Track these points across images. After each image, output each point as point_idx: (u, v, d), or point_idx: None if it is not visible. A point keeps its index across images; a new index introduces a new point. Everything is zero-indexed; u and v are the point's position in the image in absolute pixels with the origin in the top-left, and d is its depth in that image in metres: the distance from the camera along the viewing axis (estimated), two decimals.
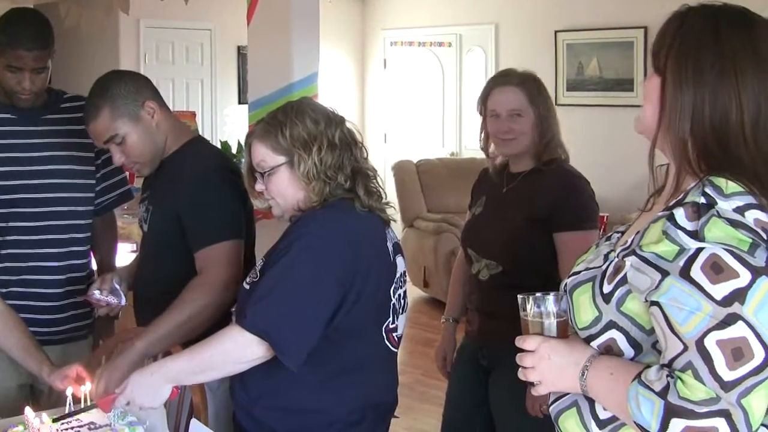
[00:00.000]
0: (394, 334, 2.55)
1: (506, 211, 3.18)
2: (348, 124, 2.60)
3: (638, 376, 1.64)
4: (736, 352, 1.54)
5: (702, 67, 1.71)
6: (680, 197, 1.69)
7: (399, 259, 2.59)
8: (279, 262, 2.38)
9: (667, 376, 1.59)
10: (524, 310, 1.86)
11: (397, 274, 2.56)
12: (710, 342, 1.55)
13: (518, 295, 1.88)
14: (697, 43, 1.72)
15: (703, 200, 1.64)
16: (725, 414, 1.54)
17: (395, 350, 2.58)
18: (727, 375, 1.54)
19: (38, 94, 3.29)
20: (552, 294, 1.85)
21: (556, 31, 8.97)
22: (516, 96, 3.14)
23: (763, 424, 1.65)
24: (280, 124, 2.50)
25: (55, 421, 2.43)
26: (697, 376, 1.55)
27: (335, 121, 2.55)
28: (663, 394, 1.57)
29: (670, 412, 1.56)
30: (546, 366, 1.80)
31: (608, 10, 8.58)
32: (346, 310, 2.38)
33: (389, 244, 2.55)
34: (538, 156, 3.15)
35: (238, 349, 2.37)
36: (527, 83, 3.16)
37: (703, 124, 1.71)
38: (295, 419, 2.45)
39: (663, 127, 1.75)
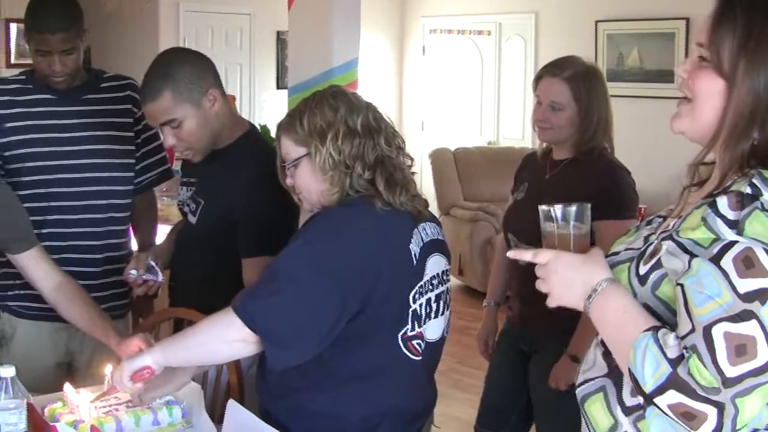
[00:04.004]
0: (416, 342, 2.40)
1: (547, 197, 3.17)
2: (378, 110, 2.49)
3: (653, 329, 1.62)
4: (740, 349, 1.52)
5: None
6: (726, 185, 1.66)
7: (432, 260, 2.45)
8: (282, 253, 2.32)
9: (684, 348, 1.57)
10: (544, 221, 1.84)
11: (424, 279, 2.41)
12: (717, 331, 1.53)
13: (540, 207, 1.86)
14: None
15: (748, 190, 1.60)
16: (719, 406, 1.53)
17: (416, 359, 2.41)
18: (729, 370, 1.52)
19: (73, 76, 3.30)
20: (575, 205, 1.83)
21: (596, 21, 8.91)
22: (560, 89, 3.15)
23: (756, 429, 1.64)
24: (299, 114, 2.43)
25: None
26: (702, 361, 1.54)
27: (358, 107, 2.44)
28: (674, 363, 1.56)
29: (673, 382, 1.55)
30: (554, 280, 1.77)
31: (650, 0, 8.52)
32: (348, 316, 2.27)
33: (414, 247, 2.39)
34: (579, 146, 3.16)
35: (224, 327, 2.29)
36: (576, 79, 3.15)
37: None
38: (309, 421, 2.38)
39: (725, 134, 1.70)
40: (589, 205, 1.83)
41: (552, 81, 3.18)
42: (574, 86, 3.14)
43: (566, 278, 1.75)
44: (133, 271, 3.03)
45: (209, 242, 2.91)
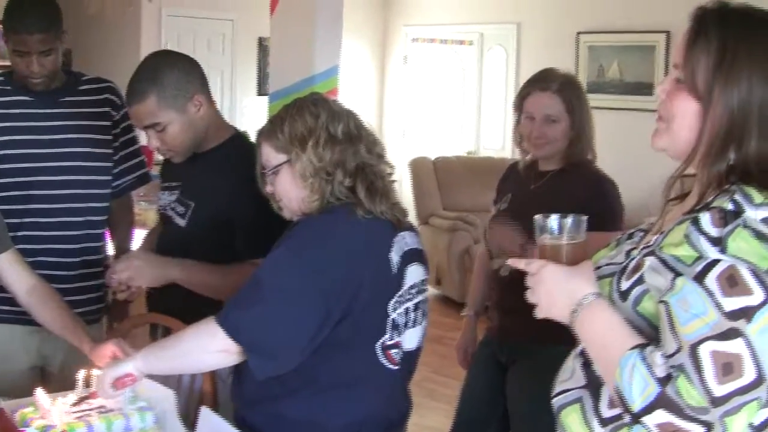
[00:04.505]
0: (394, 351, 2.40)
1: (531, 209, 3.18)
2: (358, 118, 2.49)
3: (639, 347, 1.61)
4: (726, 367, 1.52)
5: (752, 96, 1.66)
6: (708, 201, 1.66)
7: (412, 269, 2.43)
8: (265, 261, 2.33)
9: (671, 367, 1.56)
10: (538, 231, 1.83)
11: (403, 288, 2.40)
12: (704, 350, 1.53)
13: (535, 216, 1.85)
14: (748, 71, 1.66)
15: (731, 207, 1.60)
16: (708, 425, 1.52)
17: (394, 368, 2.41)
18: (717, 389, 1.52)
19: (51, 77, 3.29)
20: (571, 217, 1.82)
21: (578, 33, 8.95)
22: (552, 102, 3.15)
23: None
24: (280, 121, 2.43)
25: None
26: (690, 380, 1.53)
27: (339, 114, 2.44)
28: (663, 382, 1.55)
29: (661, 402, 1.54)
30: (541, 291, 1.76)
31: (631, 13, 8.55)
32: (330, 325, 2.27)
33: (394, 256, 2.38)
34: (568, 157, 3.18)
35: (207, 337, 2.30)
36: (566, 90, 3.16)
37: (750, 154, 1.67)
38: (286, 429, 2.37)
39: (701, 153, 1.70)
40: (585, 218, 1.83)
41: (543, 95, 3.17)
42: (566, 98, 3.15)
43: (552, 290, 1.75)
44: (116, 275, 3.01)
45: (199, 245, 2.89)
